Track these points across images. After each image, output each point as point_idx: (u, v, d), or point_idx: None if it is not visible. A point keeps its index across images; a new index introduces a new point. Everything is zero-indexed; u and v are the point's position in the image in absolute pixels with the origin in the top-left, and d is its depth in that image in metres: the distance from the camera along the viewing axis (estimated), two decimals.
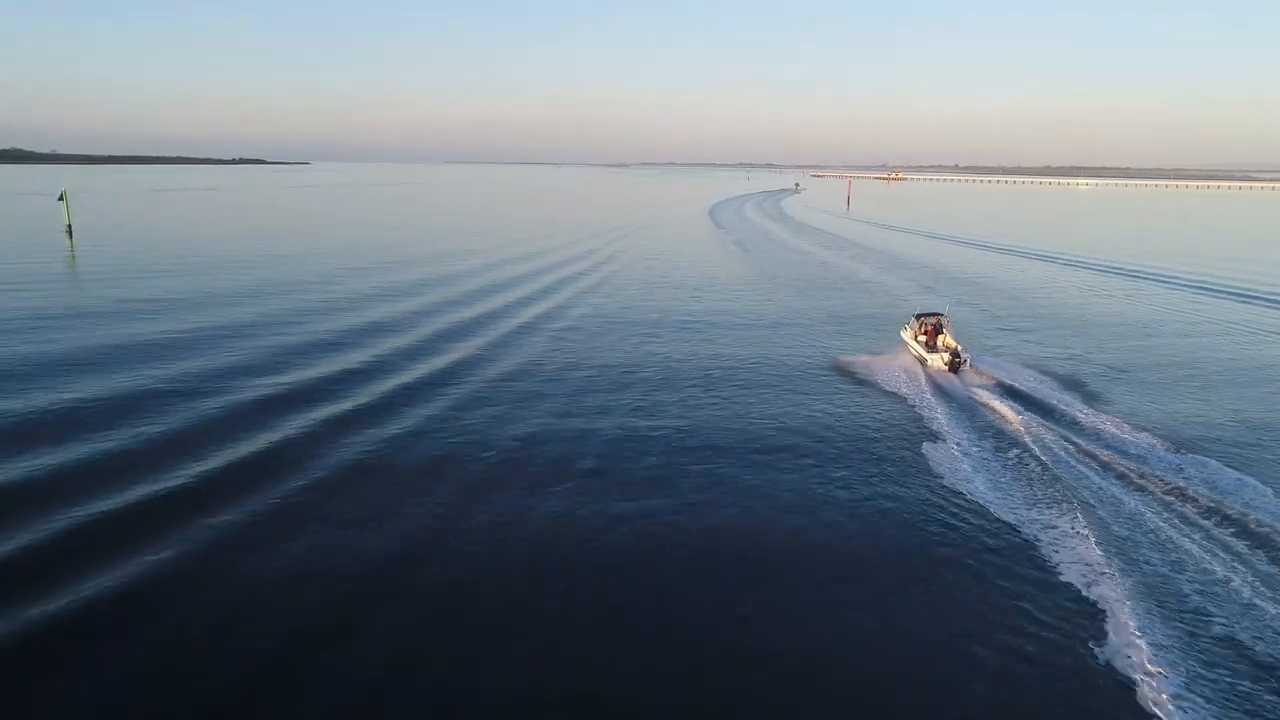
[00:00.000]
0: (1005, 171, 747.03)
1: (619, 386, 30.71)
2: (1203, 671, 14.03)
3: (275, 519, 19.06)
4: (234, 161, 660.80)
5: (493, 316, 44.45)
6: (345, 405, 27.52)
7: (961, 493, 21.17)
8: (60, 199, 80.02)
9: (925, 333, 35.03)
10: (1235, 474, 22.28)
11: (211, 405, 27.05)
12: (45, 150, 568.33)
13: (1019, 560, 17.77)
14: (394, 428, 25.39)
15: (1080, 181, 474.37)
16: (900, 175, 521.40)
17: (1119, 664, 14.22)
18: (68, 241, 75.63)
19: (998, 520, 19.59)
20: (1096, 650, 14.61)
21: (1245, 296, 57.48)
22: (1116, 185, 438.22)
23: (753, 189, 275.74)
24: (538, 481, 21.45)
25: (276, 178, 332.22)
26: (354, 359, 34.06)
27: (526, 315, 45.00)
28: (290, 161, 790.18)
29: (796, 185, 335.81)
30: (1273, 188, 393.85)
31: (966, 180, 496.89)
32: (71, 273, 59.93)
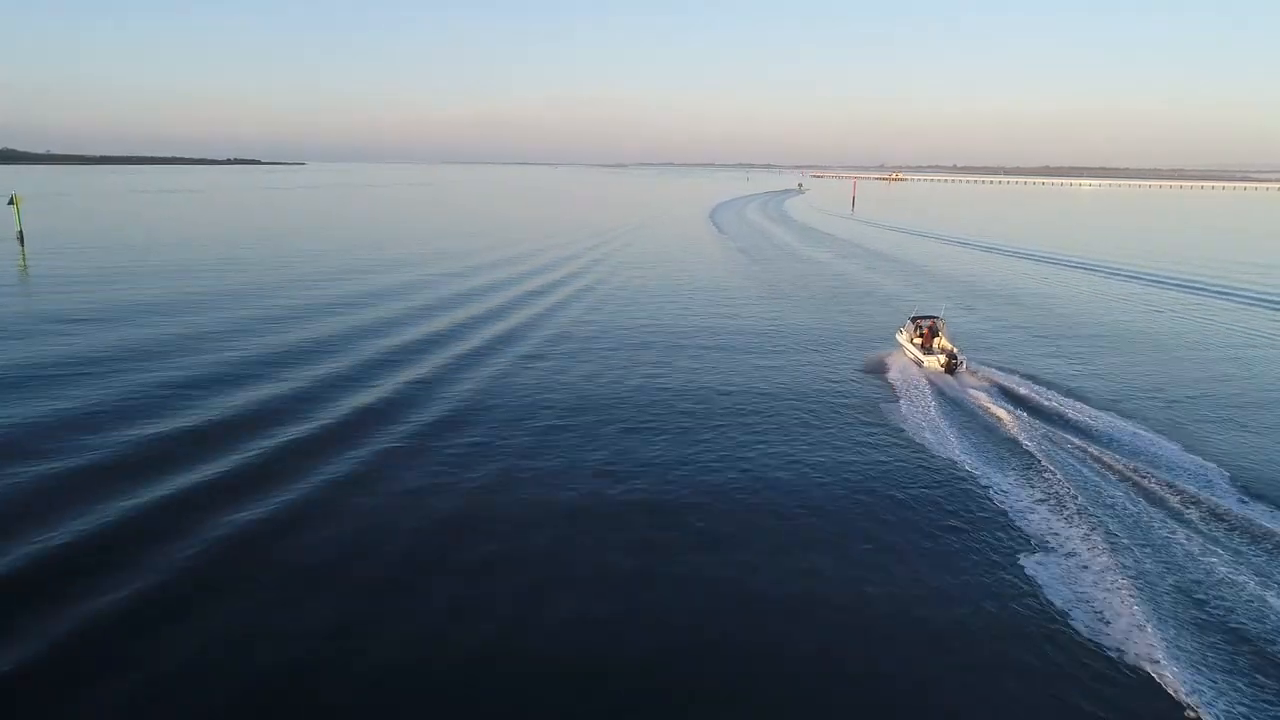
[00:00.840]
0: (1004, 172, 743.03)
1: (588, 437, 25.07)
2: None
3: (102, 639, 14.19)
4: (228, 162, 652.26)
5: (445, 338, 38.59)
6: (220, 466, 21.84)
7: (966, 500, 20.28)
8: (10, 203, 74.71)
9: (921, 335, 34.77)
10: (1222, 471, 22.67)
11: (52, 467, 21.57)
12: (40, 150, 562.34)
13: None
14: (281, 500, 19.79)
15: (1083, 183, 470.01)
16: (900, 176, 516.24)
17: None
18: (19, 249, 70.46)
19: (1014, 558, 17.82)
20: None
21: (1251, 299, 56.72)
22: (1118, 186, 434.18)
23: (754, 190, 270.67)
24: (452, 606, 15.68)
25: (266, 179, 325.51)
26: (263, 395, 28.35)
27: (488, 335, 39.36)
28: (286, 162, 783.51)
29: (800, 185, 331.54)
30: (1277, 188, 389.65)
31: (967, 181, 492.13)
32: (18, 283, 54.74)
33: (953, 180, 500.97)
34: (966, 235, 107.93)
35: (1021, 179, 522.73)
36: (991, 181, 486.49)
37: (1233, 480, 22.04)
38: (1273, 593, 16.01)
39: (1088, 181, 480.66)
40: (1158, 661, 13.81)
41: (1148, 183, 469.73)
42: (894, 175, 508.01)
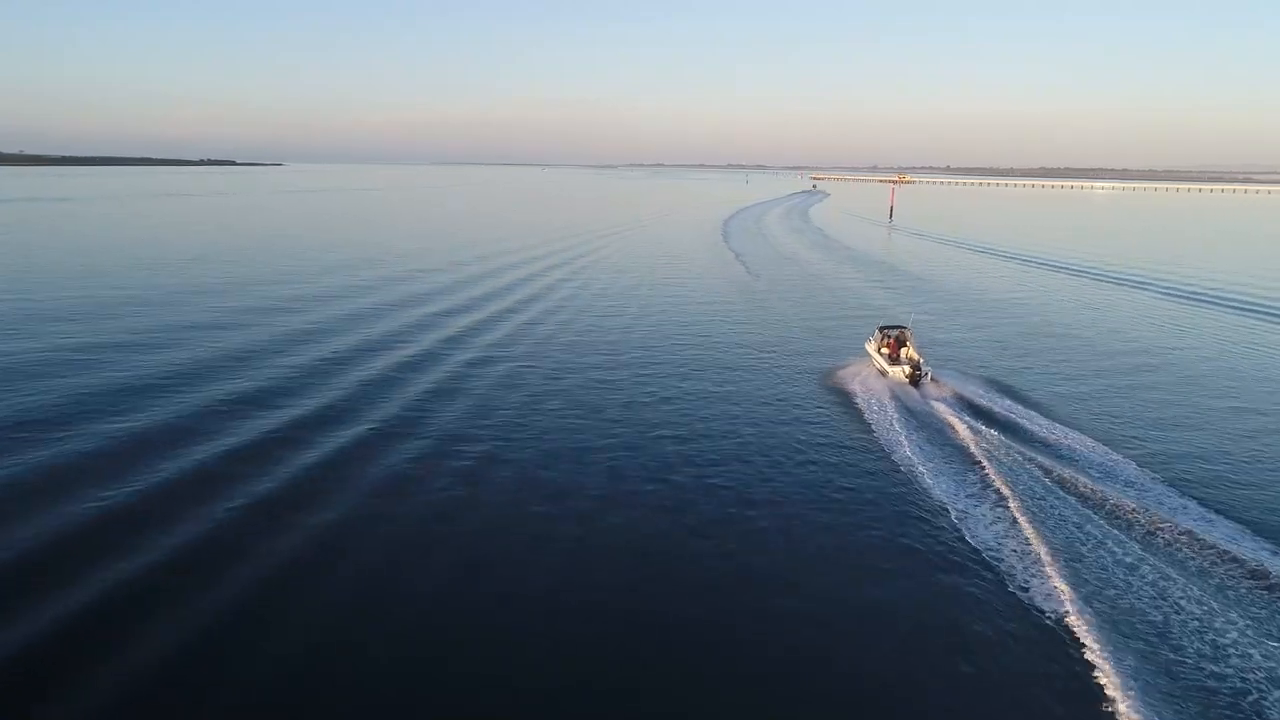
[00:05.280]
0: (998, 173, 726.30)
1: (567, 435, 25.55)
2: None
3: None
4: (201, 163, 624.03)
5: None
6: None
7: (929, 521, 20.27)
8: None
9: (888, 345, 34.61)
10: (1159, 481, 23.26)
11: None
12: (14, 150, 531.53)
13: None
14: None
15: (1096, 185, 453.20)
16: (907, 178, 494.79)
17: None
18: None
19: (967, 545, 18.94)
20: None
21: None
22: (1130, 189, 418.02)
23: (760, 195, 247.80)
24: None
25: (215, 181, 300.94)
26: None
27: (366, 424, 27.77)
28: (264, 163, 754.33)
29: (814, 186, 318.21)
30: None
31: (973, 183, 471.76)
32: None
33: (957, 183, 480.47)
34: (1035, 252, 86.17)
35: (1019, 181, 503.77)
36: (999, 184, 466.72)
37: (1197, 500, 21.94)
38: (1233, 627, 15.78)
39: (1101, 184, 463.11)
40: (1088, 657, 14.70)
41: (1161, 185, 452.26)
42: (900, 177, 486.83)
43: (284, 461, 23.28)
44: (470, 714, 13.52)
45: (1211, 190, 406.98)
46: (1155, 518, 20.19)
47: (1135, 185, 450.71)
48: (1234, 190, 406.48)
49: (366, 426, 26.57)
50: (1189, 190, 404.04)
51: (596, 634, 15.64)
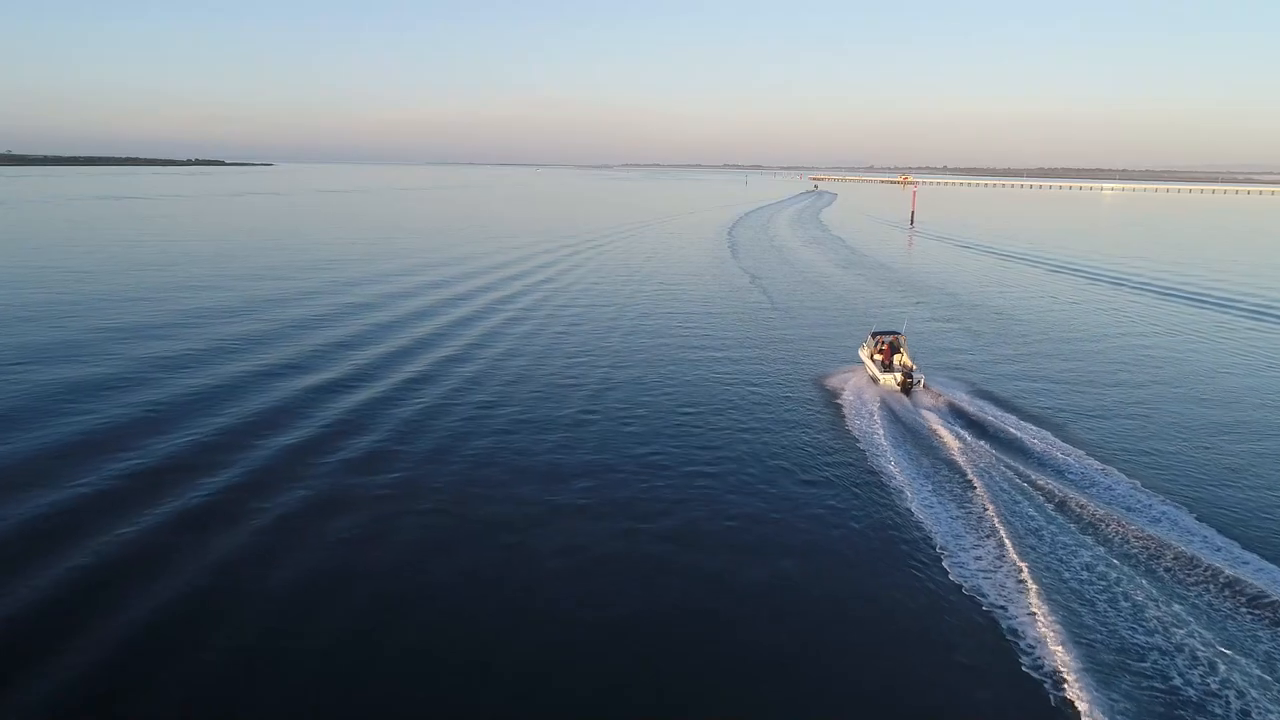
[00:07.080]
0: (995, 174, 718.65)
1: (551, 443, 26.21)
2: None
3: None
4: (187, 163, 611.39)
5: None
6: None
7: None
8: None
9: (880, 351, 33.95)
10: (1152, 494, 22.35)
11: None
12: (2, 150, 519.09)
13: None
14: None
15: (1104, 186, 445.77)
16: (910, 178, 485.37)
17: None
18: None
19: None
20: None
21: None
22: (1136, 190, 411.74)
23: (764, 197, 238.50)
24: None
25: (191, 183, 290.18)
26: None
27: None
28: (253, 163, 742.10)
29: (815, 187, 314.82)
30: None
31: (980, 184, 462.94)
32: None
33: (958, 183, 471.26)
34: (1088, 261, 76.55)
35: (1021, 181, 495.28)
36: (1002, 184, 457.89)
37: (1202, 521, 20.86)
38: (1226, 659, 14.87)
39: (1108, 185, 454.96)
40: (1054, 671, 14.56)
41: (1168, 186, 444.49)
42: (904, 178, 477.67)
43: (248, 458, 23.61)
44: (467, 713, 13.67)
45: (1225, 191, 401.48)
46: (1150, 538, 19.42)
47: (1138, 186, 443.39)
48: (1246, 192, 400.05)
49: (327, 423, 27.09)
50: (1199, 191, 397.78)
51: (591, 633, 15.82)
